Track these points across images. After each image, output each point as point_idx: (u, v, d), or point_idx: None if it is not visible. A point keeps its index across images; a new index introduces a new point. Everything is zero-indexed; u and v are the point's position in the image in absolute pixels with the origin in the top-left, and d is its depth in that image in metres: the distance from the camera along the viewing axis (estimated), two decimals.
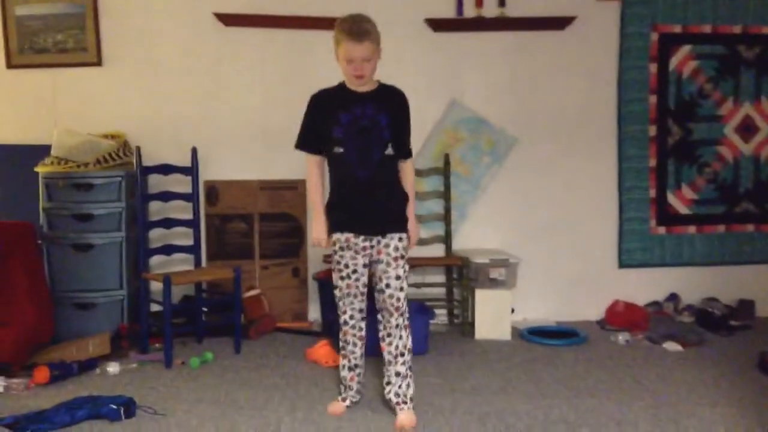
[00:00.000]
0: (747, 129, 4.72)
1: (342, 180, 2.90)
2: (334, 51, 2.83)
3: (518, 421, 2.87)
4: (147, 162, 4.08)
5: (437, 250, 4.54)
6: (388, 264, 2.86)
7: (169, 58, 4.49)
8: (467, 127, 4.58)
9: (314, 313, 4.58)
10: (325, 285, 4.30)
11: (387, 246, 2.87)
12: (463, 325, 4.25)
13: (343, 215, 2.90)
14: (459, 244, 4.56)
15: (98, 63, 4.46)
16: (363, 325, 3.02)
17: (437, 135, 4.56)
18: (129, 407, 2.92)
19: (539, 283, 4.59)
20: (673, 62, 4.63)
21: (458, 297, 4.40)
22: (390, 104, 2.89)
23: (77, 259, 4.02)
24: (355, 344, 3.02)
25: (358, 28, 2.73)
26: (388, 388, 2.94)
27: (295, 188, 4.55)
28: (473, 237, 4.61)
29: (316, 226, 2.95)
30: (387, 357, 2.93)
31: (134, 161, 4.09)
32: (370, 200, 2.87)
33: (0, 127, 4.45)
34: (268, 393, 3.24)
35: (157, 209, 4.37)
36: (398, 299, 2.87)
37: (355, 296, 2.95)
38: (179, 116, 4.50)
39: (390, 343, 2.91)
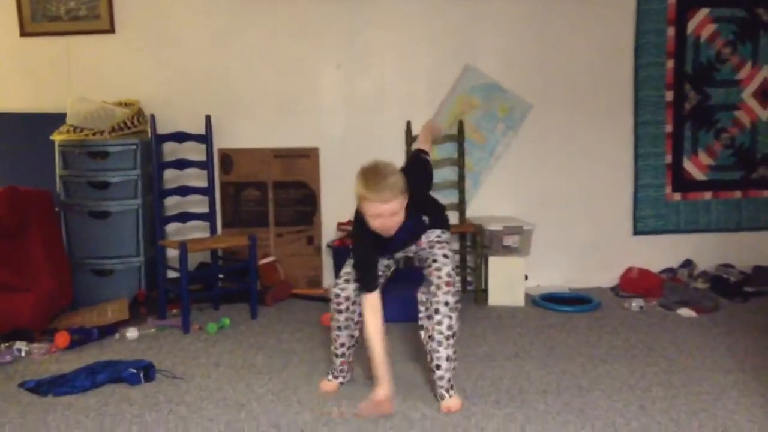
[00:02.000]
0: (765, 94, 4.65)
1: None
2: (356, 192, 2.66)
3: (531, 386, 2.90)
4: (161, 130, 4.09)
5: (451, 218, 4.48)
6: (431, 246, 2.81)
7: (182, 26, 4.48)
8: (481, 94, 4.54)
9: (328, 279, 4.61)
10: (340, 252, 4.33)
11: (428, 236, 2.84)
12: (476, 291, 4.27)
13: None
14: (473, 211, 4.55)
15: (111, 30, 4.45)
16: (359, 310, 2.84)
17: (451, 101, 4.53)
18: (148, 371, 2.98)
19: (553, 250, 4.58)
20: (691, 26, 4.55)
21: (472, 264, 4.41)
22: (414, 238, 2.85)
23: (94, 226, 4.07)
24: (349, 328, 2.89)
25: (381, 188, 2.55)
26: (435, 376, 2.73)
27: (308, 156, 4.56)
28: (487, 204, 4.61)
29: (382, 378, 2.66)
30: (436, 337, 2.67)
31: (149, 129, 4.11)
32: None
33: (15, 95, 4.47)
34: (285, 357, 3.29)
35: (172, 177, 4.39)
36: (448, 274, 2.70)
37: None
38: (193, 84, 4.49)
39: (439, 323, 2.65)
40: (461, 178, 4.50)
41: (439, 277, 2.70)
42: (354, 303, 2.83)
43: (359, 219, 2.71)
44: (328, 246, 4.51)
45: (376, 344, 2.66)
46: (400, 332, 3.52)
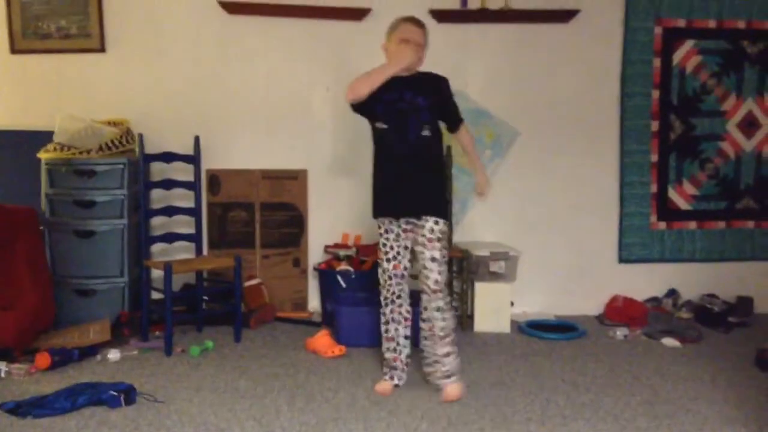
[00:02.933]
0: (749, 125, 4.71)
1: (382, 155, 3.12)
2: (386, 41, 3.13)
3: (516, 414, 2.89)
4: (150, 149, 4.09)
5: None
6: (423, 245, 3.02)
7: (172, 46, 4.49)
8: (469, 120, 4.51)
9: (314, 303, 4.60)
10: (326, 275, 4.32)
11: (422, 228, 3.02)
12: (462, 317, 4.27)
13: (382, 200, 3.12)
14: (460, 236, 4.56)
15: (101, 49, 4.45)
16: (407, 306, 3.16)
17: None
18: (129, 394, 2.95)
19: (539, 277, 4.60)
20: (677, 57, 4.62)
21: (458, 289, 4.41)
22: (429, 88, 3.09)
23: (79, 245, 4.04)
24: (399, 322, 3.15)
25: (417, 19, 3.11)
26: (431, 368, 3.10)
27: (297, 178, 4.56)
28: (474, 230, 4.62)
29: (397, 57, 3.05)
30: (432, 339, 3.05)
31: (137, 149, 4.10)
32: (406, 181, 3.05)
33: (3, 112, 4.46)
34: (267, 382, 3.26)
35: (159, 197, 4.38)
36: (435, 281, 2.99)
37: (402, 277, 3.11)
38: (182, 104, 4.50)
39: (433, 326, 3.02)
40: (448, 202, 4.51)
41: (428, 286, 3.00)
42: (399, 297, 3.12)
43: None
44: (315, 269, 4.50)
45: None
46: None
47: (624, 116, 4.61)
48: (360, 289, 4.18)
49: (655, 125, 4.63)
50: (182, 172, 4.26)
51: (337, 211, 4.60)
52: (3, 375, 3.28)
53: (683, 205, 4.70)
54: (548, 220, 4.63)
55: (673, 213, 4.70)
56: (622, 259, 4.68)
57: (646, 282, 4.66)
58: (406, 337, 3.19)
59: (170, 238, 4.17)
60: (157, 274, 4.06)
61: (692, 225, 4.71)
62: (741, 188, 4.74)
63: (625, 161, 4.63)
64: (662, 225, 4.69)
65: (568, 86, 4.60)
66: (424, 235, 3.02)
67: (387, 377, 3.18)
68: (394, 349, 3.18)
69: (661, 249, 4.70)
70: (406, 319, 3.16)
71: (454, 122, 3.25)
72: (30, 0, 4.39)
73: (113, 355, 3.57)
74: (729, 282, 4.68)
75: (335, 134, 4.58)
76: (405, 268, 3.13)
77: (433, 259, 3.00)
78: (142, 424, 2.74)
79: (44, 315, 3.80)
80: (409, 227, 3.08)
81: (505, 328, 4.19)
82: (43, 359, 3.38)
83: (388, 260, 3.12)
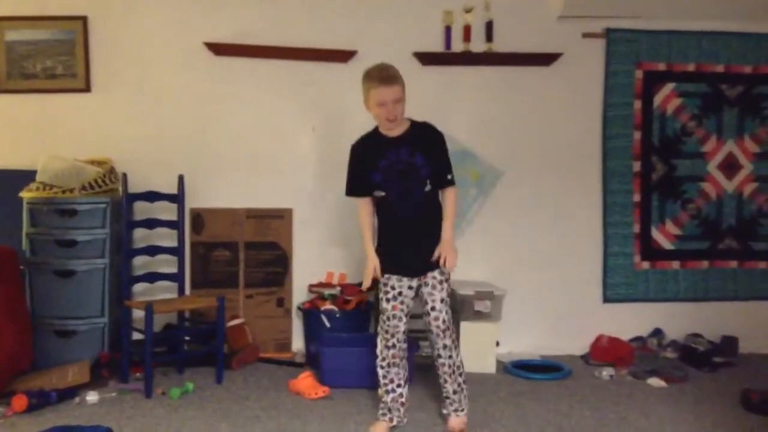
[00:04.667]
0: (730, 166, 4.77)
1: (387, 220, 3.10)
2: (364, 100, 3.02)
3: None
4: (133, 188, 4.07)
5: None
6: (434, 287, 3.05)
7: (158, 86, 4.51)
8: (454, 160, 4.46)
9: (298, 343, 4.55)
10: (310, 315, 4.28)
11: (432, 270, 3.05)
12: None
13: (388, 260, 3.08)
14: None
15: (87, 89, 4.47)
16: (405, 346, 3.15)
17: None
18: None
19: (524, 317, 4.58)
20: (657, 99, 4.69)
21: None
22: (423, 142, 3.05)
23: (59, 285, 3.98)
24: (398, 366, 3.11)
25: (386, 74, 2.95)
26: (445, 403, 3.18)
27: (282, 217, 4.55)
28: (459, 269, 4.54)
29: (369, 254, 3.11)
30: (442, 376, 3.12)
31: (120, 188, 4.08)
32: (412, 241, 3.05)
33: None
34: (249, 425, 3.20)
35: (141, 236, 4.35)
36: (444, 321, 3.05)
37: (400, 318, 3.07)
38: (167, 143, 4.50)
39: (443, 364, 3.10)
40: None
41: (437, 326, 3.05)
42: (397, 339, 3.09)
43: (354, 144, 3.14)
44: (299, 308, 4.46)
45: (365, 229, 3.12)
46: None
47: (606, 157, 4.66)
48: (344, 329, 4.15)
49: (637, 166, 4.68)
50: (166, 211, 4.24)
51: (322, 250, 4.59)
52: None
53: (666, 244, 4.73)
54: (533, 260, 4.64)
55: (657, 252, 4.72)
56: (607, 299, 4.68)
57: (630, 321, 4.66)
58: (405, 379, 3.15)
59: (152, 277, 4.12)
60: (138, 314, 4.01)
61: (675, 265, 4.73)
62: (723, 228, 4.78)
63: (608, 201, 4.67)
64: (646, 264, 4.71)
65: (551, 127, 4.66)
66: (434, 277, 3.06)
67: (386, 418, 3.13)
68: (393, 390, 3.13)
69: (646, 288, 4.71)
70: (402, 359, 3.12)
71: (443, 181, 3.08)
72: (16, 40, 4.41)
73: (92, 397, 3.49)
74: (713, 321, 4.68)
75: (320, 173, 4.59)
76: (409, 308, 3.10)
77: (442, 300, 3.05)
78: None
79: (22, 357, 3.72)
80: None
81: (491, 368, 4.16)
82: (19, 402, 3.30)
83: (387, 300, 3.08)
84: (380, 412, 3.17)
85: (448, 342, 3.07)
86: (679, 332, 4.65)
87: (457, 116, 4.61)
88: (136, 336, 3.93)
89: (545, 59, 4.58)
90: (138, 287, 4.36)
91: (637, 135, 4.68)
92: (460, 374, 3.14)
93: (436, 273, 3.05)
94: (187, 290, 4.36)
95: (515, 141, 4.65)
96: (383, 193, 3.04)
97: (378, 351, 3.13)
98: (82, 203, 4.03)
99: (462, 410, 3.15)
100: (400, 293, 3.07)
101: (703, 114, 4.73)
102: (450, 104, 4.61)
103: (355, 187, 3.13)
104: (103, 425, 3.01)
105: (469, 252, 4.60)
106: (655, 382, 3.94)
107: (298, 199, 4.59)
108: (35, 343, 3.87)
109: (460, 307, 4.19)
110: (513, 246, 4.64)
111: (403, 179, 3.01)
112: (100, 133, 4.47)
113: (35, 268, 4.02)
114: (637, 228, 4.69)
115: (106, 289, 4.04)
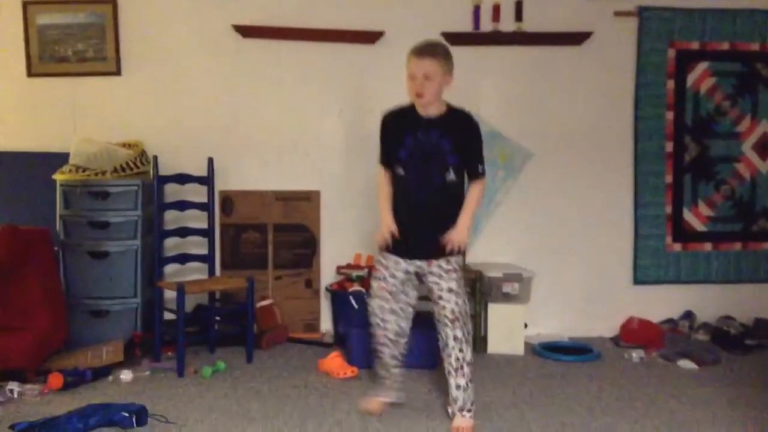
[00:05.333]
0: (764, 147, 4.68)
1: (400, 200, 2.98)
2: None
3: None
4: (164, 171, 4.11)
5: None
6: (439, 276, 2.92)
7: (187, 69, 4.54)
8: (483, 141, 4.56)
9: (326, 324, 4.58)
10: (338, 296, 4.31)
11: (437, 258, 2.92)
12: (475, 339, 4.22)
13: (395, 241, 2.94)
14: (473, 257, 4.54)
15: (117, 72, 4.51)
16: (395, 326, 3.03)
17: None
18: (141, 415, 2.93)
19: (553, 298, 4.56)
20: (690, 79, 4.61)
21: (471, 311, 4.37)
22: (456, 129, 2.93)
23: (93, 266, 4.05)
24: (389, 346, 3.06)
25: (423, 46, 2.87)
26: (452, 396, 2.97)
27: (309, 199, 4.57)
28: (487, 251, 4.60)
29: (386, 219, 2.97)
30: (447, 368, 2.95)
31: (151, 170, 4.12)
32: (418, 225, 2.93)
33: (20, 135, 4.50)
34: (279, 404, 3.24)
35: (172, 218, 4.39)
36: (452, 311, 2.89)
37: (386, 299, 2.99)
38: (196, 126, 4.53)
39: (449, 355, 2.93)
40: None
41: (445, 315, 2.90)
42: (384, 321, 3.02)
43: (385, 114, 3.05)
44: (327, 289, 4.49)
45: (383, 199, 2.99)
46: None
47: (638, 137, 4.60)
48: None
49: (669, 146, 4.61)
50: (196, 193, 4.28)
51: (350, 232, 4.60)
52: (15, 395, 3.28)
53: (699, 226, 4.67)
54: (562, 242, 4.61)
55: (689, 234, 4.66)
56: (638, 281, 4.64)
57: (661, 304, 4.62)
58: (393, 357, 3.09)
59: (183, 259, 4.18)
60: (170, 294, 4.06)
61: (708, 246, 4.67)
62: (757, 210, 4.70)
63: (639, 182, 4.61)
64: (677, 246, 4.65)
65: (581, 107, 4.60)
66: (440, 266, 2.92)
67: (379, 396, 3.13)
68: (387, 370, 3.12)
69: (677, 270, 4.65)
70: (393, 342, 3.05)
71: (472, 173, 2.97)
72: (47, 24, 4.46)
73: (125, 375, 3.56)
74: (746, 304, 4.62)
75: (348, 155, 4.59)
76: (392, 291, 2.99)
77: (450, 290, 2.90)
78: None
79: (57, 336, 3.80)
80: (415, 262, 2.98)
81: (519, 350, 4.15)
82: (55, 380, 3.38)
83: (376, 278, 3.02)
84: (375, 389, 3.17)
85: (458, 334, 2.89)
86: (711, 315, 4.60)
87: (486, 97, 4.58)
88: (168, 316, 3.98)
89: (576, 38, 4.51)
90: (169, 268, 4.41)
91: (669, 115, 4.60)
92: (468, 372, 2.94)
93: (441, 262, 2.91)
94: (218, 271, 4.41)
95: (545, 122, 4.60)
96: (403, 173, 2.93)
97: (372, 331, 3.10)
98: (114, 185, 4.08)
99: (468, 411, 2.94)
100: (393, 275, 2.97)
101: (737, 93, 4.64)
102: (479, 85, 4.57)
103: (386, 156, 3.03)
104: (137, 403, 3.06)
105: (498, 233, 4.60)
106: (686, 364, 3.91)
107: (325, 181, 4.60)
108: (70, 323, 3.95)
109: (488, 289, 4.19)
110: (542, 227, 4.61)
111: (426, 162, 2.89)
112: (131, 116, 4.51)
113: (69, 249, 4.09)
114: (669, 209, 4.63)
115: (138, 269, 4.10)
